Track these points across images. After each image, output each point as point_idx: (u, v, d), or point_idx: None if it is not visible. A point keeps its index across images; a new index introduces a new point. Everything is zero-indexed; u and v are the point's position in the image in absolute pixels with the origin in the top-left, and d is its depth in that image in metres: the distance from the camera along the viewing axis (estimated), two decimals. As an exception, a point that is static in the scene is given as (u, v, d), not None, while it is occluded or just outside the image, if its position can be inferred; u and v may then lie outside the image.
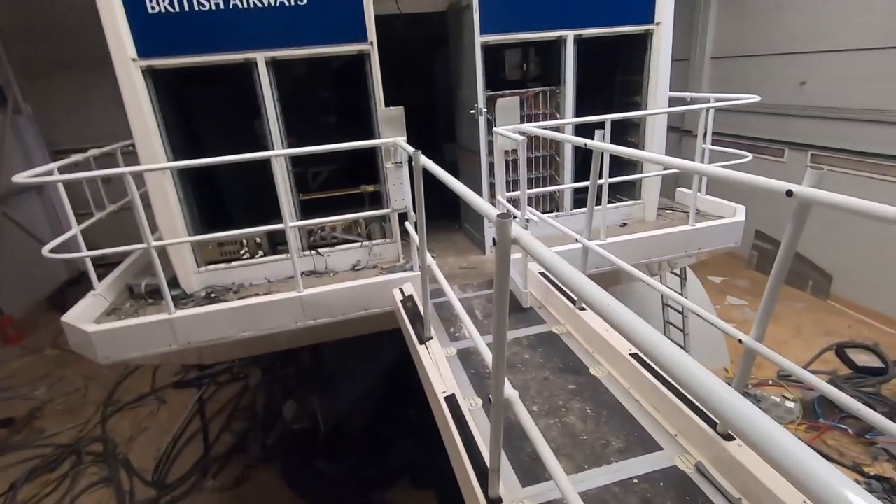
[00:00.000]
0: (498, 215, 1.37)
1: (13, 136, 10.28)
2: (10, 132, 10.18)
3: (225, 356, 5.96)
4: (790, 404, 6.54)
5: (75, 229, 3.80)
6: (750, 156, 4.88)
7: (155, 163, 3.85)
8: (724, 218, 4.92)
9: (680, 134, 11.57)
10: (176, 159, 4.02)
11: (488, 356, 2.02)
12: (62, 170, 3.76)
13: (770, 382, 6.99)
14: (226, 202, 4.98)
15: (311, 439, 6.17)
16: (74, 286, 11.18)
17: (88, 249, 3.73)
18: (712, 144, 5.03)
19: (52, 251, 3.55)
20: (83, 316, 3.82)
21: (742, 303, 9.34)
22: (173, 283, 4.16)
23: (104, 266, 4.13)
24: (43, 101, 10.80)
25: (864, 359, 7.40)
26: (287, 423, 6.60)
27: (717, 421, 2.30)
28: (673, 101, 5.20)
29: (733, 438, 2.21)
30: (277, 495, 5.76)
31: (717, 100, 4.65)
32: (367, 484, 5.73)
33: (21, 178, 3.41)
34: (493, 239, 1.42)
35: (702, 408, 2.44)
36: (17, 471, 6.18)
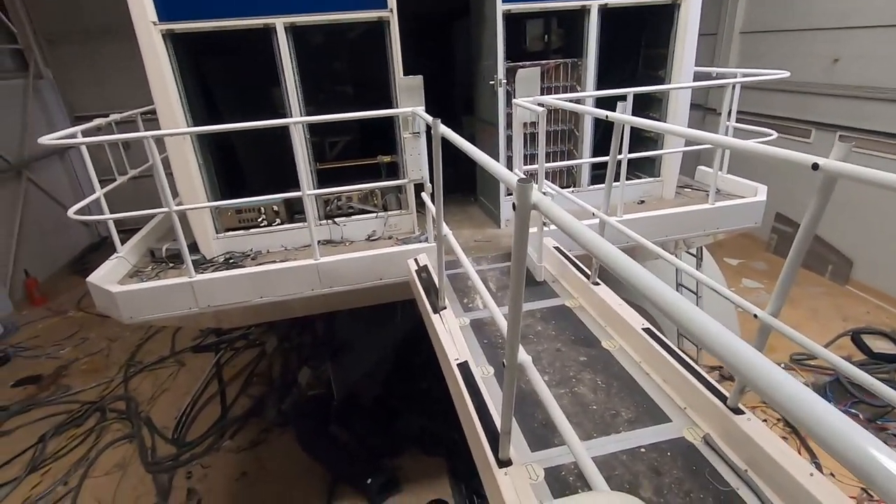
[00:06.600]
0: (518, 180, 1.38)
1: (35, 101, 10.42)
2: (33, 97, 10.31)
3: (242, 321, 6.11)
4: (802, 387, 6.54)
5: (99, 192, 3.88)
6: (775, 133, 4.75)
7: (175, 129, 3.89)
8: (744, 197, 4.83)
9: (703, 112, 11.27)
10: (195, 126, 4.05)
11: (503, 324, 2.05)
12: (86, 133, 3.82)
13: (782, 366, 6.96)
14: (244, 170, 5.03)
15: (325, 406, 6.34)
16: (95, 251, 11.46)
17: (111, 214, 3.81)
18: (737, 122, 4.91)
19: (76, 213, 3.65)
20: (108, 277, 3.93)
21: (759, 286, 9.23)
22: (193, 248, 4.25)
23: (124, 232, 4.22)
24: (63, 67, 10.90)
25: (880, 345, 7.31)
26: (302, 390, 6.79)
27: (726, 395, 2.32)
28: (698, 77, 5.05)
29: (742, 412, 2.23)
30: (292, 458, 5.96)
31: (745, 75, 4.51)
32: (378, 452, 5.89)
33: (47, 139, 3.48)
34: (513, 205, 1.42)
35: (712, 381, 2.46)
36: (46, 424, 6.48)
